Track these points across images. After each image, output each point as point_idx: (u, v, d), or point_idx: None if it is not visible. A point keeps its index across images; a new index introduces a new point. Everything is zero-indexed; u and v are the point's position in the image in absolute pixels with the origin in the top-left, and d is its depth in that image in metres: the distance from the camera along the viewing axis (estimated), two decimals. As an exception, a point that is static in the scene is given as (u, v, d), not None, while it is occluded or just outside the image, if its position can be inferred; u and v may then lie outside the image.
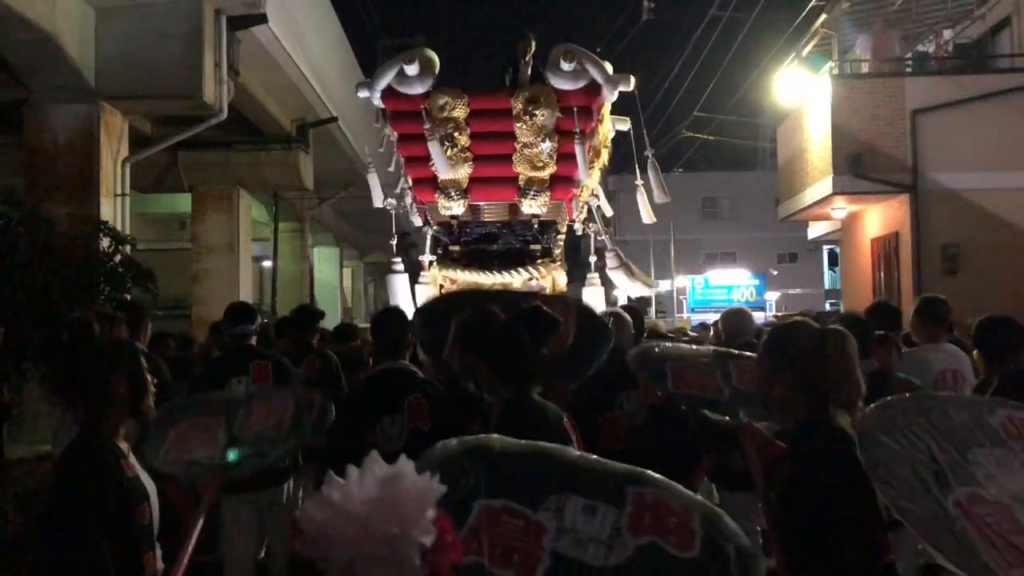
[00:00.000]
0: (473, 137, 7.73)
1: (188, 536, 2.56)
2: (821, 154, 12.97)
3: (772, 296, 31.39)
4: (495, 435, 1.78)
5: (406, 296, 8.34)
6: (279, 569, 4.71)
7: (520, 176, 7.79)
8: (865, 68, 13.44)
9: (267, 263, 19.78)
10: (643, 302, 27.49)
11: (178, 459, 2.81)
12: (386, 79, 7.69)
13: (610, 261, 8.31)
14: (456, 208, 7.93)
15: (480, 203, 8.07)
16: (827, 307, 26.99)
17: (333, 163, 16.97)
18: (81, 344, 2.81)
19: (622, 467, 1.87)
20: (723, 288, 30.08)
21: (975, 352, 4.64)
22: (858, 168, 12.09)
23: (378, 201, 8.59)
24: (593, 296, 7.78)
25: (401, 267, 8.57)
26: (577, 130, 7.48)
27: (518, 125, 7.63)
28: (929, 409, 2.21)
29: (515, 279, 7.89)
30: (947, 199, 12.04)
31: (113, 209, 9.65)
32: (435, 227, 8.36)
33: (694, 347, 4.04)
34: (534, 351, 2.79)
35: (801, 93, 14.00)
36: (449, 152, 7.63)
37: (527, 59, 8.09)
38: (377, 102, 7.98)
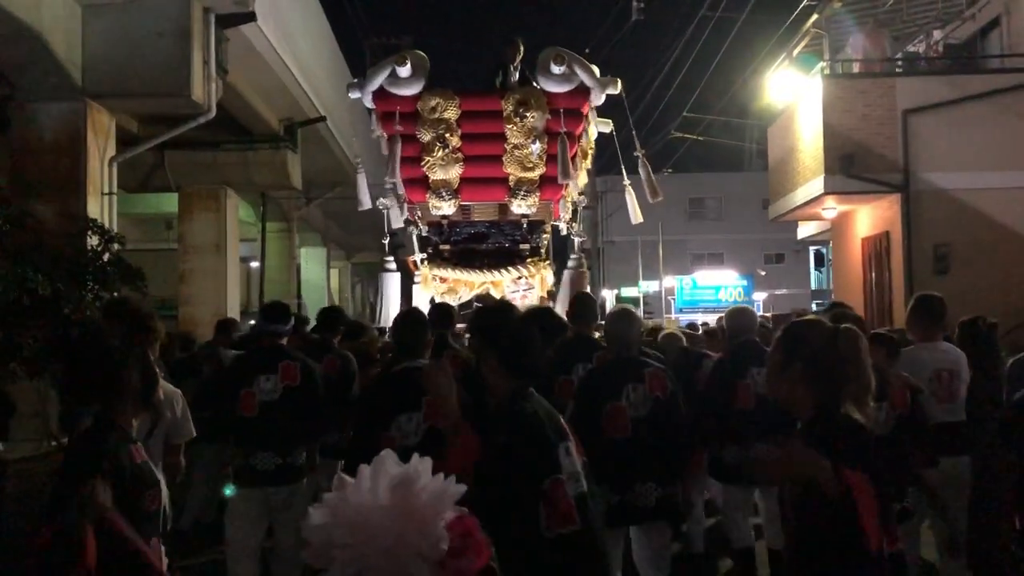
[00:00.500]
0: (464, 138, 7.80)
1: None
2: (812, 154, 12.97)
3: (760, 297, 31.46)
4: None
5: (397, 294, 8.34)
6: (284, 563, 4.71)
7: (510, 177, 7.87)
8: (856, 68, 13.45)
9: (254, 263, 19.65)
10: (631, 301, 27.46)
11: None
12: (378, 80, 7.72)
13: (571, 262, 8.37)
14: (447, 208, 7.96)
15: (470, 203, 8.12)
16: (813, 307, 27.08)
17: (321, 163, 16.88)
18: (92, 342, 2.84)
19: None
20: (711, 289, 30.10)
21: None
22: (849, 168, 12.09)
23: (366, 202, 8.61)
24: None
25: (393, 266, 8.58)
26: (564, 131, 7.56)
27: (509, 127, 7.71)
28: None
29: (504, 277, 7.94)
30: (938, 199, 12.06)
31: (100, 208, 9.54)
32: (425, 227, 8.42)
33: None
34: (541, 349, 2.81)
35: (792, 93, 14.00)
36: (440, 153, 7.67)
37: (515, 64, 8.16)
38: (368, 103, 7.99)
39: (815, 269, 34.62)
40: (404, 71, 7.59)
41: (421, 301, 7.71)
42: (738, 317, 5.26)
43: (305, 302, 23.25)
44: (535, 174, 7.81)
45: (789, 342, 2.53)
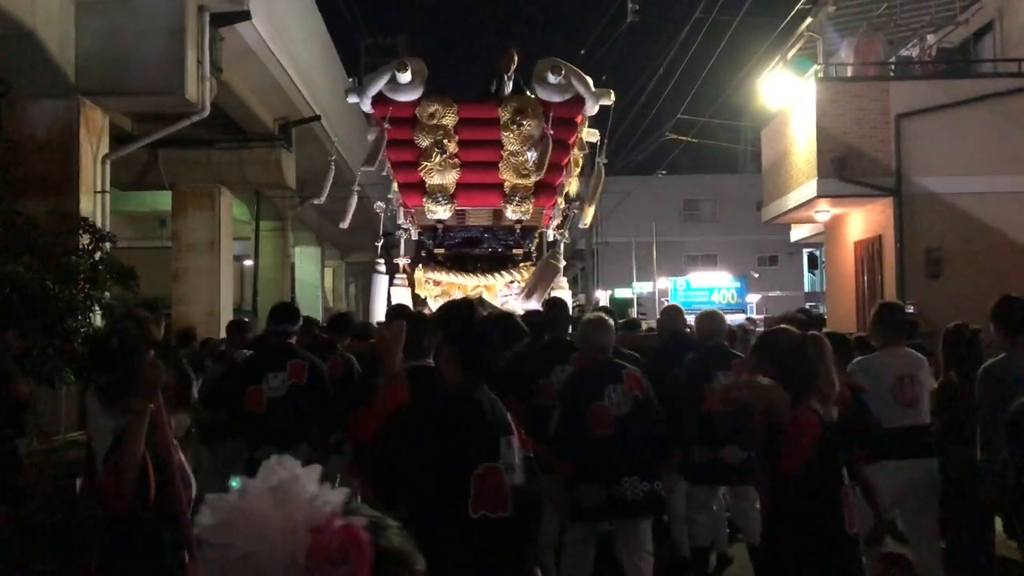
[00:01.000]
0: (461, 144, 7.93)
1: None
2: (806, 157, 13.01)
3: (753, 299, 31.53)
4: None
5: (383, 295, 8.42)
6: None
7: (506, 183, 8.03)
8: (850, 72, 13.49)
9: (248, 262, 19.62)
10: (624, 304, 27.49)
11: None
12: (377, 86, 7.83)
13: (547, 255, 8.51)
14: (442, 212, 8.07)
15: (466, 208, 8.23)
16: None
17: (315, 162, 16.81)
18: (133, 349, 2.95)
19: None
20: (705, 290, 30.15)
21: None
22: (842, 171, 12.13)
23: (323, 197, 8.80)
24: (560, 296, 7.99)
25: (383, 268, 8.65)
26: (550, 133, 7.67)
27: (505, 134, 7.86)
28: None
29: (497, 281, 8.03)
30: (930, 203, 12.11)
31: (93, 206, 9.51)
32: (415, 230, 8.55)
33: None
34: (495, 348, 2.96)
35: (786, 96, 14.04)
36: (438, 158, 7.79)
37: (510, 74, 8.32)
38: (367, 108, 8.09)
39: (808, 272, 34.69)
40: (404, 77, 7.73)
41: (385, 300, 7.97)
42: (708, 321, 5.49)
43: (299, 301, 23.27)
44: (530, 181, 7.98)
45: (763, 347, 2.95)
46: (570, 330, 5.65)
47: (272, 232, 19.64)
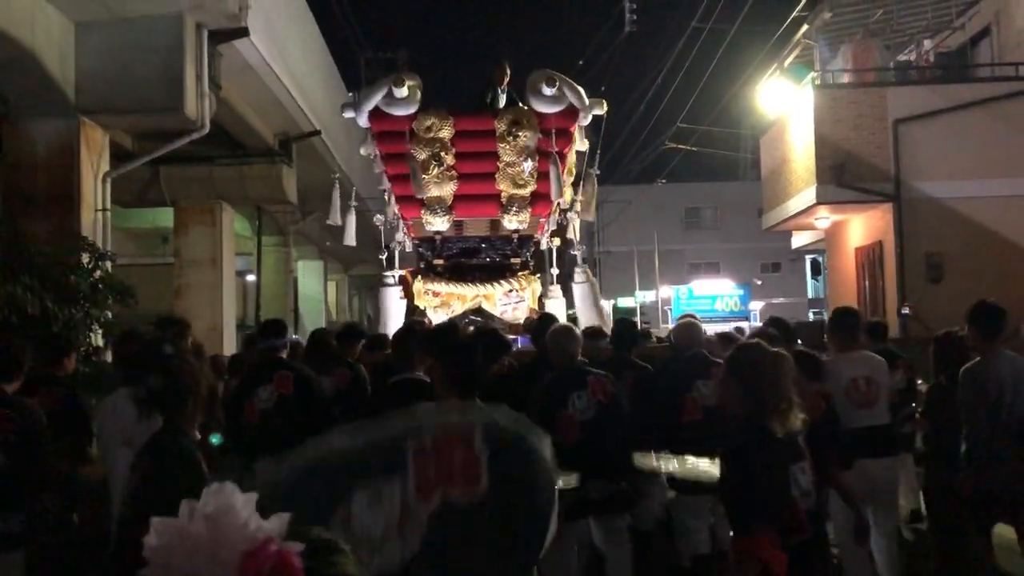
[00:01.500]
0: (458, 156, 8.02)
1: None
2: (804, 164, 13.03)
3: (756, 306, 31.47)
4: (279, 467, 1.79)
5: (396, 308, 8.47)
6: None
7: (503, 193, 8.11)
8: (847, 78, 13.52)
9: (251, 277, 19.66)
10: (628, 312, 27.51)
11: None
12: (373, 100, 7.90)
13: (577, 276, 8.69)
14: (440, 224, 8.14)
15: (463, 219, 8.30)
16: (811, 316, 27.08)
17: (316, 177, 16.87)
18: (180, 358, 3.15)
19: (398, 427, 1.88)
20: (707, 298, 30.08)
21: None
22: (841, 178, 12.15)
23: (337, 219, 8.87)
24: (554, 306, 8.23)
25: (392, 280, 8.71)
26: (555, 151, 7.78)
27: (501, 145, 7.93)
28: None
29: (496, 290, 8.10)
30: (930, 208, 12.11)
31: (94, 224, 9.54)
32: (410, 243, 8.67)
33: None
34: (483, 365, 3.21)
35: (783, 104, 14.07)
36: (435, 171, 7.87)
37: (503, 86, 8.42)
38: (363, 123, 8.16)
39: (812, 278, 34.65)
40: (400, 91, 7.79)
41: (398, 312, 8.04)
42: (685, 331, 5.56)
43: (303, 315, 23.28)
44: (527, 191, 8.07)
45: (731, 363, 3.14)
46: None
47: (274, 247, 19.70)
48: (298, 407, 4.98)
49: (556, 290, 8.62)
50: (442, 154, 7.95)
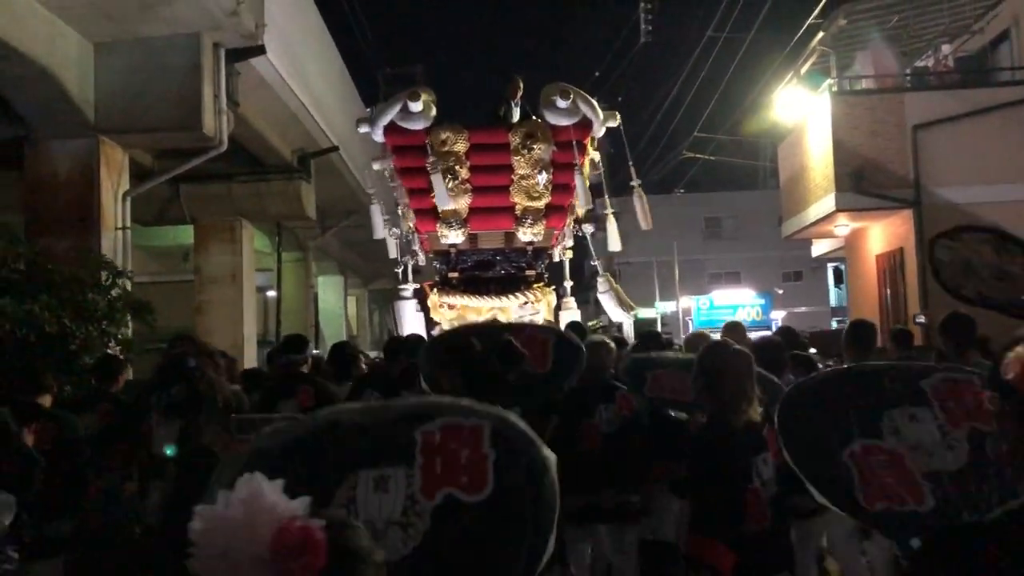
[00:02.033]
0: (473, 170, 8.05)
1: None
2: (823, 171, 12.94)
3: (778, 315, 31.24)
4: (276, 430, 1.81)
5: (413, 321, 8.51)
6: None
7: (517, 206, 8.14)
8: (864, 84, 13.43)
9: (271, 293, 19.76)
10: (647, 323, 27.40)
11: None
12: (389, 115, 7.97)
13: (600, 285, 8.72)
14: (455, 237, 8.16)
15: (478, 231, 8.32)
16: (834, 325, 26.82)
17: (335, 192, 16.99)
18: (204, 372, 3.36)
19: (409, 406, 1.87)
20: (728, 308, 29.88)
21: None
22: (860, 184, 12.05)
23: (379, 232, 8.88)
24: (569, 317, 8.24)
25: (408, 293, 8.74)
26: (577, 163, 7.80)
27: (516, 158, 7.98)
28: (862, 377, 2.55)
29: (511, 303, 8.11)
30: (951, 213, 11.95)
31: (114, 243, 9.64)
32: (422, 257, 8.70)
33: (678, 356, 5.20)
34: (501, 377, 3.50)
35: (801, 111, 13.99)
36: (450, 184, 7.90)
37: (516, 100, 8.47)
38: (379, 137, 8.23)
39: (835, 286, 34.38)
40: (415, 106, 7.85)
41: (414, 325, 8.12)
42: (695, 340, 5.82)
43: (323, 330, 23.36)
44: (541, 203, 8.10)
45: (698, 362, 3.36)
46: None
47: (294, 263, 19.79)
48: None
49: (571, 302, 8.65)
50: (457, 168, 8.01)
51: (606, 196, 9.15)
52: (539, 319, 8.03)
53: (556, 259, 9.02)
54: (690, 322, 30.48)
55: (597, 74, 23.01)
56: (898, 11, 13.52)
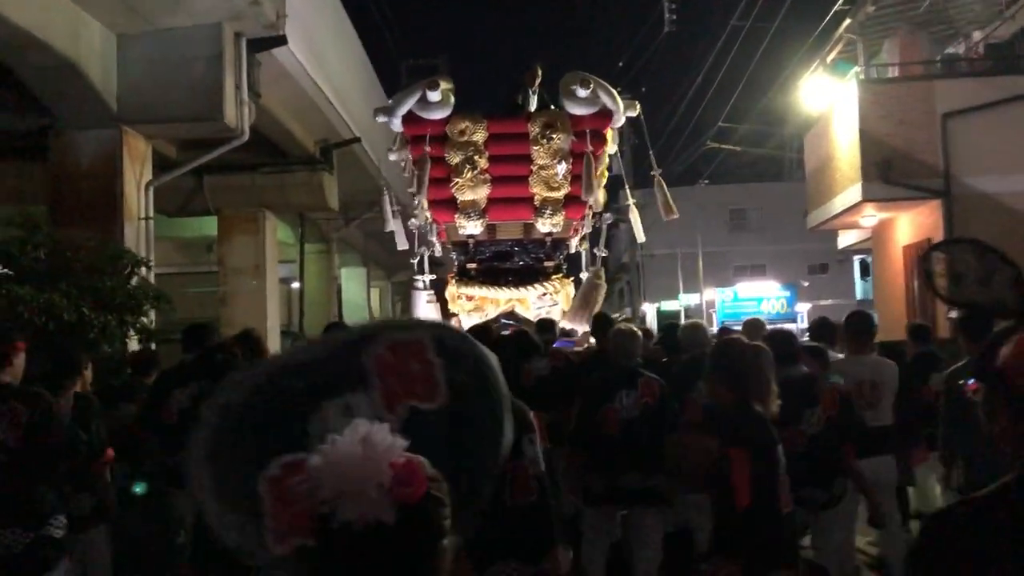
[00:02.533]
0: (492, 160, 7.98)
1: None
2: (850, 161, 12.74)
3: (803, 308, 30.92)
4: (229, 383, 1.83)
5: (425, 310, 8.49)
6: None
7: (536, 196, 8.08)
8: (892, 72, 13.20)
9: (295, 284, 19.85)
10: (669, 315, 27.19)
11: None
12: (407, 105, 7.92)
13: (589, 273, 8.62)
14: (474, 228, 8.11)
15: (496, 222, 8.26)
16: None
17: (358, 184, 17.01)
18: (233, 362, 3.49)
19: (348, 333, 1.89)
20: (753, 300, 29.60)
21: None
22: (888, 174, 11.84)
23: (390, 225, 8.86)
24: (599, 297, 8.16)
25: (422, 284, 8.71)
26: (589, 150, 7.70)
27: (535, 148, 7.92)
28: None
29: (529, 294, 8.05)
30: (981, 204, 11.75)
31: (136, 233, 9.69)
32: (439, 248, 8.65)
33: None
34: (515, 365, 3.72)
35: (827, 100, 13.79)
36: (469, 174, 7.86)
37: (534, 88, 8.39)
38: (397, 127, 8.18)
39: (861, 279, 34.00)
40: (434, 95, 7.81)
41: (428, 316, 8.00)
42: (690, 332, 5.88)
43: (347, 322, 23.44)
44: (560, 194, 8.03)
45: (716, 355, 3.52)
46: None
47: (318, 254, 19.86)
48: None
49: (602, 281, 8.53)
50: (475, 158, 7.95)
51: (627, 188, 9.06)
52: (557, 311, 7.97)
53: (572, 250, 8.94)
54: (714, 315, 30.27)
55: (621, 64, 22.80)
56: (927, -2, 13.30)
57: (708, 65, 22.07)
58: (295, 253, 18.81)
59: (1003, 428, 1.46)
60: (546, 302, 7.97)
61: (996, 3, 13.86)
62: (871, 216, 13.52)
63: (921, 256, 5.38)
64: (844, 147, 13.09)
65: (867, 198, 12.26)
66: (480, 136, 7.96)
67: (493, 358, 1.81)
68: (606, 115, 7.98)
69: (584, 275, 8.68)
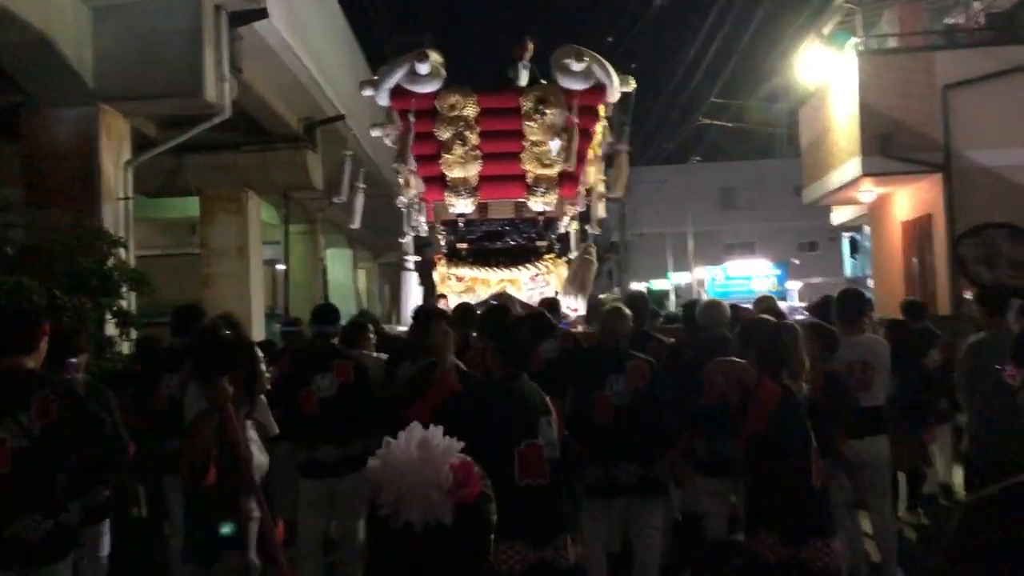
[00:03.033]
0: (483, 136, 7.68)
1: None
2: (847, 135, 12.49)
3: (794, 286, 30.84)
4: None
5: (415, 292, 8.23)
6: (347, 551, 5.15)
7: (528, 174, 7.80)
8: (892, 43, 12.92)
9: (279, 266, 19.50)
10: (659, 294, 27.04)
11: None
12: (395, 78, 7.61)
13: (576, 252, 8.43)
14: (464, 206, 7.82)
15: (488, 201, 7.98)
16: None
17: (343, 163, 16.63)
18: (215, 342, 3.57)
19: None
20: (743, 279, 29.54)
21: None
22: (887, 148, 11.60)
23: (345, 196, 8.69)
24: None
25: (411, 265, 8.44)
26: (576, 123, 7.42)
27: (527, 124, 7.64)
28: None
29: (521, 275, 7.79)
30: (982, 177, 11.53)
31: (115, 214, 9.35)
32: (426, 227, 8.36)
33: None
34: (528, 343, 3.62)
35: (824, 72, 13.51)
36: (459, 151, 7.56)
37: (524, 61, 8.11)
38: (384, 101, 7.85)
39: (850, 256, 33.96)
40: (423, 68, 7.51)
41: (417, 297, 8.03)
42: (710, 311, 5.60)
43: (333, 303, 23.11)
44: (554, 171, 7.79)
45: (745, 334, 3.66)
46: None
47: (302, 235, 19.49)
48: (356, 396, 5.02)
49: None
50: (466, 133, 7.67)
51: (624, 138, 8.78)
52: (549, 292, 7.71)
53: (562, 230, 8.67)
54: (704, 293, 30.12)
55: (610, 39, 22.43)
56: (926, -33, 13.02)
57: (700, 39, 21.68)
58: (279, 234, 18.44)
59: None
60: (539, 283, 7.72)
61: (995, -28, 13.60)
62: (869, 191, 13.29)
63: (955, 241, 5.40)
64: (842, 120, 12.84)
65: (866, 172, 12.03)
66: (471, 111, 7.68)
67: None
68: (600, 90, 7.72)
69: (573, 255, 8.43)
